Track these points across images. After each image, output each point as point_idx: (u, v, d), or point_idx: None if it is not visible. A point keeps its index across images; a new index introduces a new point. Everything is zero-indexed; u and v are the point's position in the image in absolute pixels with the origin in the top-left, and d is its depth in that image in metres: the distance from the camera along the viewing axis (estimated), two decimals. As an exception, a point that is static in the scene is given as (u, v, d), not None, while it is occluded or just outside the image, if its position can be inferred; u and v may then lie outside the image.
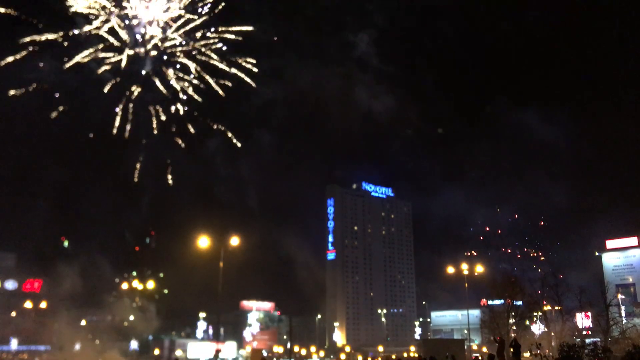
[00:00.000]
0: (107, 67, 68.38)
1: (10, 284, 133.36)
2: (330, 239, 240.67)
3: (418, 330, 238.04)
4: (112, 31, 66.12)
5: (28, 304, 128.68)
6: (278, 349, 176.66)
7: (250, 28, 72.03)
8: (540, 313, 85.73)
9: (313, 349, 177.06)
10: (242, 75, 72.94)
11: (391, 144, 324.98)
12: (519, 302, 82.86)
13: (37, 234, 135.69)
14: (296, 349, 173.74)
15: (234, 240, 51.32)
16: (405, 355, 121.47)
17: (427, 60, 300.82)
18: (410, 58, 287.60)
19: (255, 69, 73.03)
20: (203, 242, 50.80)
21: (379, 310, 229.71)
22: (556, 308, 79.80)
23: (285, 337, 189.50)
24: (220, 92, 75.33)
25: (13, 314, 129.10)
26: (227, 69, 72.29)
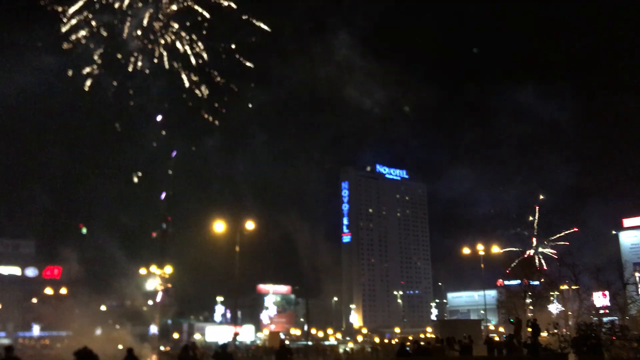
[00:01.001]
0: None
1: (30, 271, 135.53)
2: (345, 221, 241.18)
3: (434, 312, 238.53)
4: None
5: (48, 291, 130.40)
6: (295, 332, 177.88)
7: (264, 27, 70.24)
8: (557, 293, 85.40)
9: (330, 331, 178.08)
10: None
11: (404, 125, 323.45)
12: (536, 282, 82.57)
13: (56, 221, 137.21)
14: (313, 331, 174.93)
15: (249, 225, 51.51)
16: (422, 336, 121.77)
17: (435, 38, 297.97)
18: (419, 37, 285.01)
19: (266, 28, 70.20)
20: (219, 226, 51.04)
21: (395, 292, 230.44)
22: (573, 287, 79.36)
23: (302, 319, 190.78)
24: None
25: (34, 300, 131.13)
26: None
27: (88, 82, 66.74)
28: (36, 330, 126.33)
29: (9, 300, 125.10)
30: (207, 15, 64.99)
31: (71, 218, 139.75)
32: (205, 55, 68.51)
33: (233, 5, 65.97)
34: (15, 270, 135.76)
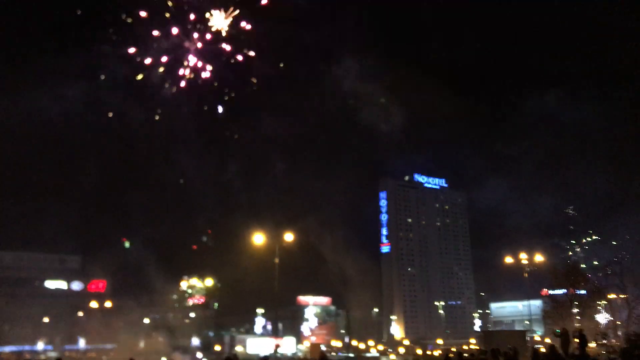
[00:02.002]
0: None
1: (76, 285, 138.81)
2: (384, 232, 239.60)
3: (478, 322, 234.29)
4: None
5: (94, 304, 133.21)
6: (336, 344, 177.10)
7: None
8: (604, 302, 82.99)
9: (371, 342, 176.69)
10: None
11: (443, 134, 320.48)
12: (582, 291, 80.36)
13: (100, 236, 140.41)
14: (354, 343, 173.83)
15: (288, 237, 51.70)
16: (465, 347, 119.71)
17: (471, 48, 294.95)
18: (456, 47, 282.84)
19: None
20: (258, 239, 51.35)
21: (436, 303, 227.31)
22: (621, 296, 77.02)
23: (342, 331, 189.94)
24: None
25: (80, 314, 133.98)
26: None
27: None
28: (82, 343, 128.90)
29: (56, 314, 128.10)
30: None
31: (115, 232, 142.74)
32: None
33: None
34: (62, 285, 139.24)
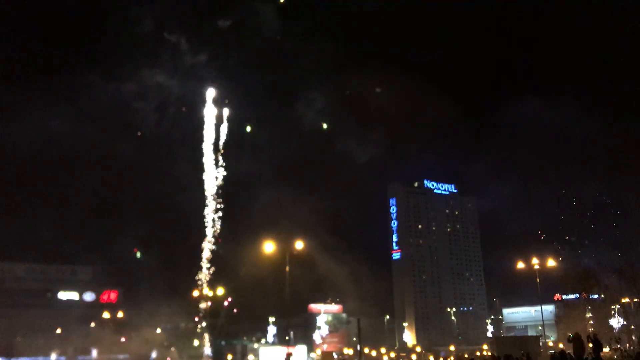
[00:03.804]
0: None
1: (88, 296, 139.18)
2: (395, 238, 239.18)
3: (490, 328, 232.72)
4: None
5: (106, 315, 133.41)
6: (348, 351, 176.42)
7: None
8: (618, 306, 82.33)
9: (383, 350, 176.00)
10: None
11: (451, 139, 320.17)
12: (595, 296, 79.81)
13: (112, 247, 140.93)
14: (366, 350, 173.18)
15: (299, 245, 51.73)
16: (478, 354, 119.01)
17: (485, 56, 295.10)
18: (462, 56, 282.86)
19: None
20: (268, 247, 51.42)
21: (448, 309, 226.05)
22: (635, 300, 76.42)
23: (354, 338, 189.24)
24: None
25: (92, 324, 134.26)
26: None
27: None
28: (95, 354, 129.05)
29: (68, 325, 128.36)
30: None
31: (126, 243, 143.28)
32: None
33: None
34: (74, 295, 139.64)
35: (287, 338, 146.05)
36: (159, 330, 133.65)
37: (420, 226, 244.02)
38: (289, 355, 74.58)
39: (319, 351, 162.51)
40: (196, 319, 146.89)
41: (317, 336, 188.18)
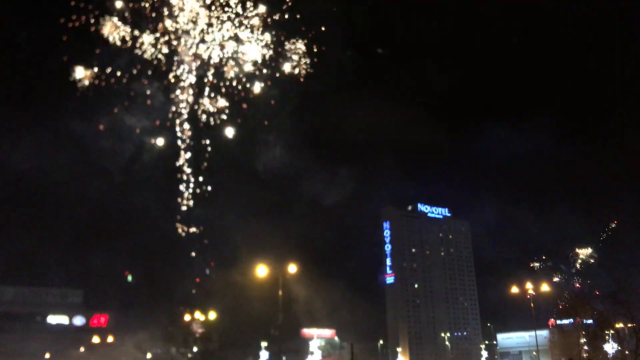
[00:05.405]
0: None
1: (78, 320, 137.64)
2: (388, 262, 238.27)
3: (484, 354, 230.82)
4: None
5: (96, 339, 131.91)
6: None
7: None
8: (612, 331, 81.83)
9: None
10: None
11: (444, 163, 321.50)
12: (589, 321, 79.36)
13: (102, 270, 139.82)
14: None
15: (292, 268, 51.36)
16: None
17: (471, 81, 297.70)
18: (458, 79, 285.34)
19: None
20: (261, 271, 51.02)
21: (442, 334, 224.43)
22: (629, 325, 75.93)
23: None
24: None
25: (82, 349, 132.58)
26: None
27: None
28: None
29: (58, 350, 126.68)
30: None
31: (117, 266, 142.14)
32: None
33: None
34: (63, 320, 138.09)
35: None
36: (149, 356, 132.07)
37: (413, 250, 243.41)
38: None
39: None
40: (187, 344, 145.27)
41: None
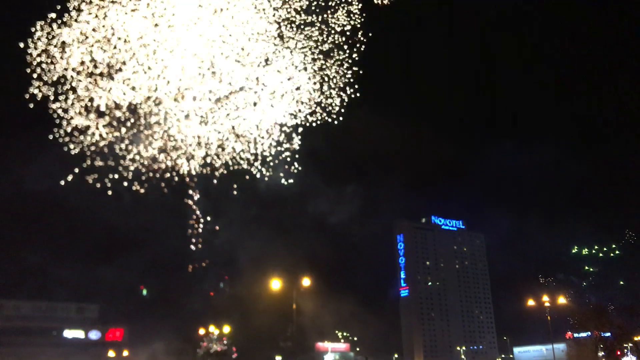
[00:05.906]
0: None
1: (93, 334, 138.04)
2: (402, 275, 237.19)
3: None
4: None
5: (111, 354, 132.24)
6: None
7: None
8: (630, 344, 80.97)
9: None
10: None
11: (457, 177, 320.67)
12: (607, 334, 78.56)
13: (118, 285, 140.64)
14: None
15: (306, 282, 51.45)
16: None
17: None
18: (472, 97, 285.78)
19: None
20: (275, 284, 51.16)
21: (458, 347, 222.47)
22: (648, 338, 75.13)
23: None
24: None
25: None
26: None
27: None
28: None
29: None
30: None
31: (132, 281, 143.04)
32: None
33: None
34: (79, 334, 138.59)
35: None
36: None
37: (428, 263, 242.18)
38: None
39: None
40: (202, 358, 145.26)
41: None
